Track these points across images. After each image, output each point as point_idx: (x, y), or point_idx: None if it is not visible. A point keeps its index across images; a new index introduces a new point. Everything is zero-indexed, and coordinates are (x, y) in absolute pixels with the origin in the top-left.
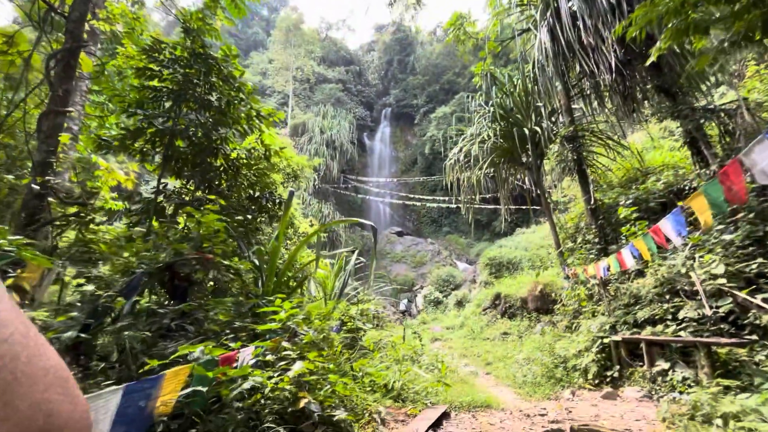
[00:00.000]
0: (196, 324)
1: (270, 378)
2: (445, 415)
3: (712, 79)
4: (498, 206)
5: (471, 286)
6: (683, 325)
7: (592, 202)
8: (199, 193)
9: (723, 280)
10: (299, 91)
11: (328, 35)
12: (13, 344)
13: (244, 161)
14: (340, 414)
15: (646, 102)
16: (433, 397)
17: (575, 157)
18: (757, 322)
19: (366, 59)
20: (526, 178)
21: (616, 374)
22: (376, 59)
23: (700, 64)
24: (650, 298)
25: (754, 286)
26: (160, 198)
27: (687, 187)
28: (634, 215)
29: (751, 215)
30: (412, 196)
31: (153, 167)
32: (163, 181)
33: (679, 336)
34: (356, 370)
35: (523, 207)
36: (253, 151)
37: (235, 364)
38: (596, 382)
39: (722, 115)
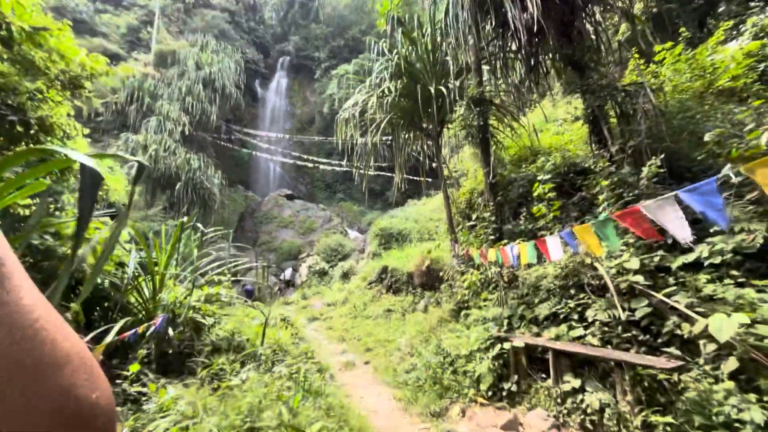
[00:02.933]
0: None
1: None
2: None
3: (616, 56)
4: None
5: (359, 256)
6: (591, 329)
7: (492, 176)
8: None
9: (639, 278)
10: (171, 12)
11: None
12: (39, 329)
13: None
14: None
15: (551, 75)
16: None
17: (481, 123)
18: (679, 332)
19: None
20: (424, 145)
21: (513, 387)
22: None
23: None
24: (552, 290)
25: (675, 287)
26: None
27: (582, 170)
28: (550, 194)
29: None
30: (306, 157)
31: None
32: None
33: (595, 347)
34: None
35: (417, 178)
36: None
37: None
38: (489, 394)
39: (623, 95)
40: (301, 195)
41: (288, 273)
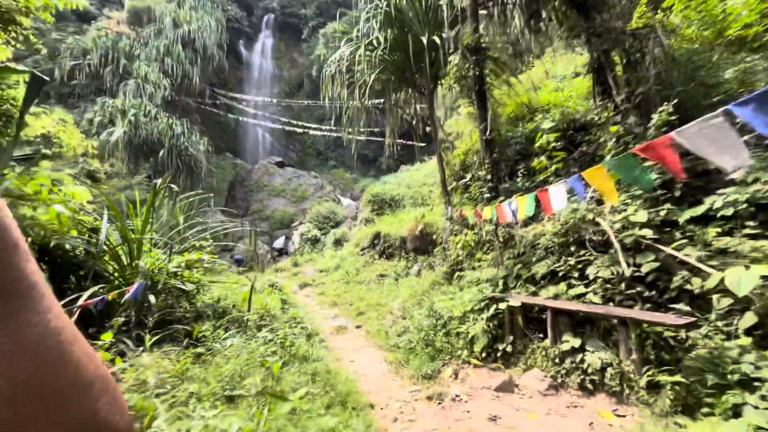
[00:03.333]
0: None
1: None
2: None
3: None
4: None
5: (352, 223)
6: (592, 287)
7: (489, 132)
8: None
9: (647, 231)
10: None
11: None
12: (65, 353)
13: None
14: None
15: (552, 23)
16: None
17: (477, 74)
18: (689, 287)
19: None
20: (417, 106)
21: (509, 348)
22: None
23: None
24: (551, 248)
25: (683, 241)
26: None
27: (583, 125)
28: (553, 144)
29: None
30: (295, 122)
31: None
32: None
33: (596, 305)
34: None
35: (410, 143)
36: None
37: None
38: (483, 355)
39: (632, 39)
40: (291, 162)
41: (280, 241)
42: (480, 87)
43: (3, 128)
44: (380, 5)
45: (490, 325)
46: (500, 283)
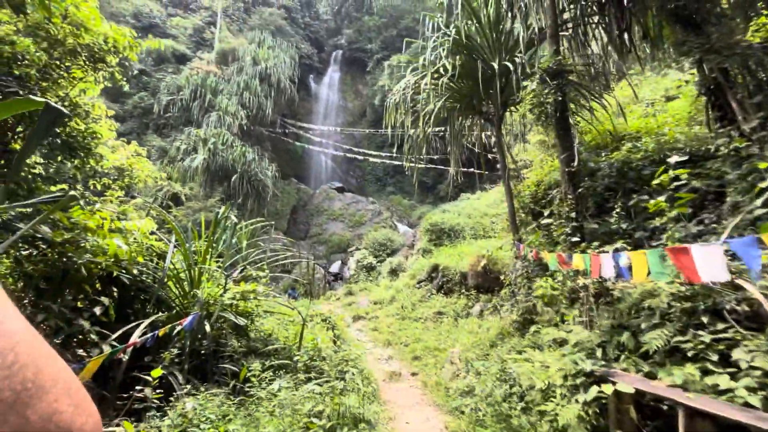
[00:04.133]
0: None
1: None
2: None
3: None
4: (445, 167)
5: (409, 252)
6: (743, 380)
7: (576, 162)
8: None
9: None
10: (232, 12)
11: None
12: (20, 353)
13: None
14: None
15: (646, 40)
16: None
17: (559, 98)
18: None
19: None
20: (482, 134)
21: None
22: None
23: None
24: (668, 314)
25: None
26: None
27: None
28: (675, 184)
29: None
30: (356, 149)
31: None
32: None
33: (756, 409)
34: None
35: (474, 170)
36: None
37: None
38: None
39: (762, 53)
40: (351, 188)
41: (336, 266)
42: (562, 113)
43: (81, 164)
44: (448, 33)
45: (589, 412)
46: (597, 352)
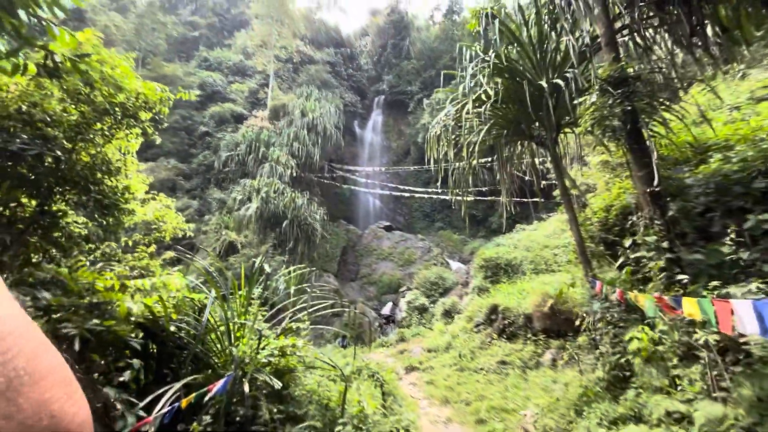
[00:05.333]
0: None
1: None
2: None
3: None
4: (494, 198)
5: (463, 290)
6: None
7: (656, 181)
8: None
9: None
10: (282, 72)
11: (317, 16)
12: (15, 342)
13: None
14: None
15: (725, 35)
16: None
17: (628, 108)
18: None
19: (358, 44)
20: (535, 159)
21: None
22: (370, 44)
23: None
24: None
25: None
26: None
27: None
28: None
29: None
30: (401, 187)
31: None
32: None
33: None
34: None
35: (527, 200)
36: None
37: None
38: None
39: None
40: (399, 226)
41: (388, 308)
42: (633, 125)
43: (114, 220)
44: (487, 59)
45: None
46: None
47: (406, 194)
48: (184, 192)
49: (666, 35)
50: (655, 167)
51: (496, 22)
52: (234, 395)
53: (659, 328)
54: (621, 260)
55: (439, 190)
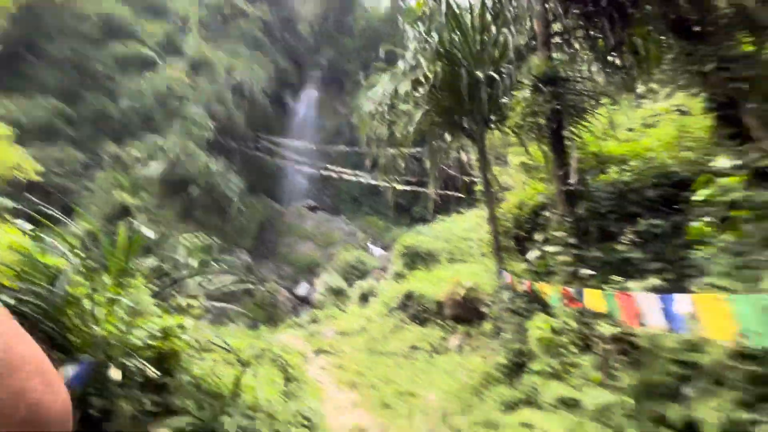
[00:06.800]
0: None
1: None
2: None
3: None
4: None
5: (381, 275)
6: None
7: (573, 180)
8: None
9: None
10: (209, 23)
11: None
12: None
13: None
14: None
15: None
16: None
17: (556, 107)
18: None
19: (298, 8)
20: (462, 154)
21: None
22: (311, 9)
23: None
24: (725, 379)
25: None
26: None
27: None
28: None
29: None
30: (331, 167)
31: None
32: None
33: None
34: None
35: (449, 192)
36: None
37: None
38: None
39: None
40: (325, 207)
41: (303, 288)
42: (558, 125)
43: None
44: (430, 40)
45: None
46: (622, 422)
47: (335, 175)
48: (68, 141)
49: (588, 50)
50: (572, 167)
51: (443, 2)
52: (93, 385)
53: (561, 318)
54: (530, 254)
55: (369, 175)
